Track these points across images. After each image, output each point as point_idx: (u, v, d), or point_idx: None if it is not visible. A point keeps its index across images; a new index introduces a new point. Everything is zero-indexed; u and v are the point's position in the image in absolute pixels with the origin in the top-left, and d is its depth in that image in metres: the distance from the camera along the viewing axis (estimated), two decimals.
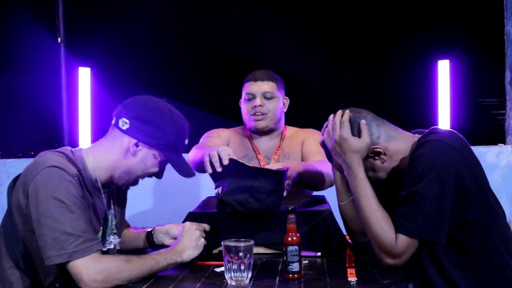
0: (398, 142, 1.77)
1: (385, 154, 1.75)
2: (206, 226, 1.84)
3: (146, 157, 1.73)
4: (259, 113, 2.41)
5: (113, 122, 1.74)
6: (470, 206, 1.63)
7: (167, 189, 3.25)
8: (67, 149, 1.71)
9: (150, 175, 1.80)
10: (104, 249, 1.79)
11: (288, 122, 2.60)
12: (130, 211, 3.19)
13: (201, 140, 2.49)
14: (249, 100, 2.44)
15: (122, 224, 1.94)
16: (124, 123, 1.69)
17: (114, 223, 1.85)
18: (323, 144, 1.88)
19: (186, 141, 1.79)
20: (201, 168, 2.04)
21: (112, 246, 1.83)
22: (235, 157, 1.83)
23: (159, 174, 1.81)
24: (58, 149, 1.70)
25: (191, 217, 1.94)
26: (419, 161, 1.63)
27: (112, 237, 1.84)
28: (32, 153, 5.42)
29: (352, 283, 1.53)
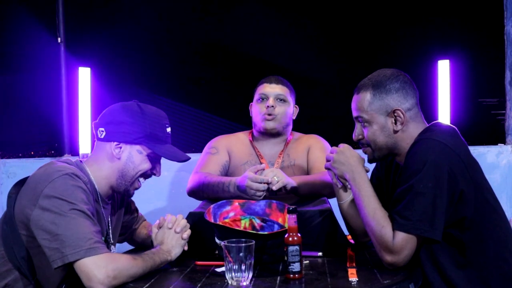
0: (414, 127, 1.78)
1: (402, 123, 1.76)
2: (179, 227, 1.80)
3: (131, 155, 1.78)
4: (270, 114, 2.42)
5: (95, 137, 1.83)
6: (467, 204, 1.64)
7: (167, 189, 3.25)
8: (71, 160, 1.79)
9: (146, 173, 1.82)
10: None
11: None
12: None
13: (200, 158, 2.47)
14: (262, 100, 2.46)
15: (116, 233, 1.98)
16: (101, 132, 1.78)
17: (110, 232, 1.89)
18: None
19: (168, 129, 1.82)
20: (204, 193, 2.21)
21: None
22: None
23: (154, 171, 1.84)
24: (64, 159, 1.78)
25: (191, 217, 1.95)
26: (413, 159, 1.66)
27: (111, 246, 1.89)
28: (32, 153, 5.41)
29: (353, 283, 1.54)
